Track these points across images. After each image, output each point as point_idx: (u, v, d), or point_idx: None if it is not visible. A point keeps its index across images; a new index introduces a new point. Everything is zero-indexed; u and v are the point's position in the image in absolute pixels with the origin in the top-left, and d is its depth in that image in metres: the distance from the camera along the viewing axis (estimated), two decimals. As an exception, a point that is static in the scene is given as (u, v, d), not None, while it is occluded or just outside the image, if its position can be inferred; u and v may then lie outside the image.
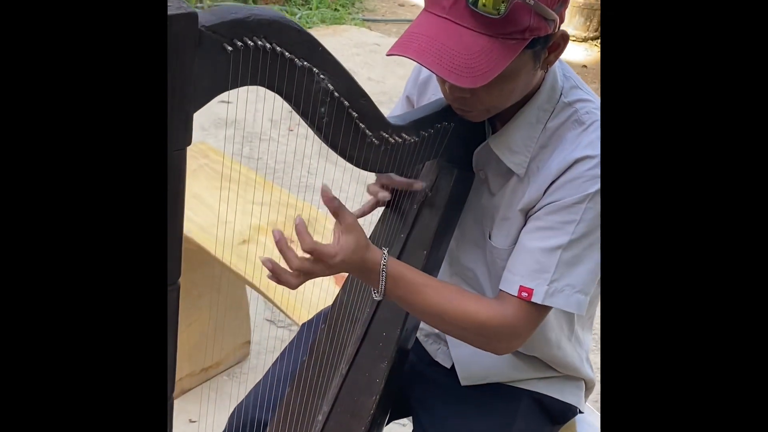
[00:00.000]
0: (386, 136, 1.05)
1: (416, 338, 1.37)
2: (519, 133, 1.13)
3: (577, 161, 1.08)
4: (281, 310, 1.67)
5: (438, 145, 1.14)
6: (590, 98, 1.14)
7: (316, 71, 0.93)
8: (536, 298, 1.11)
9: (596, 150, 1.08)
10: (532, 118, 1.12)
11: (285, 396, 1.29)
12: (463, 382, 1.33)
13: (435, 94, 1.21)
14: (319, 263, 1.05)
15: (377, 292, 1.11)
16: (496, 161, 1.17)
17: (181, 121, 0.84)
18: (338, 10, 5.37)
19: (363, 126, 1.02)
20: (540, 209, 1.12)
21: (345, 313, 1.28)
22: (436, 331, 1.36)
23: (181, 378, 2.13)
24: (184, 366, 2.13)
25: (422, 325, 1.37)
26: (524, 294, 1.11)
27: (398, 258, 1.23)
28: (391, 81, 4.23)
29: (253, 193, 1.98)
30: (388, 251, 1.10)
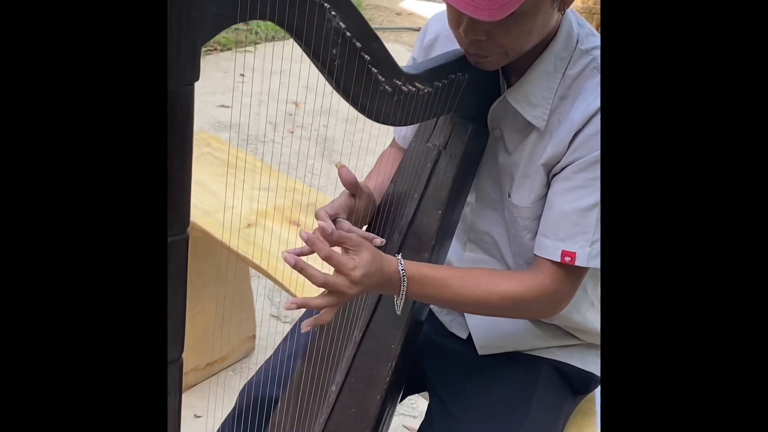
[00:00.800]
0: (399, 84, 1.02)
1: (430, 310, 1.33)
2: (537, 83, 1.09)
3: (599, 110, 1.04)
4: (288, 291, 1.62)
5: (452, 99, 1.10)
6: None
7: (328, 6, 0.90)
8: (580, 261, 1.08)
9: None
10: (550, 67, 1.09)
11: (296, 369, 1.24)
12: (480, 352, 1.28)
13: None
14: (340, 277, 1.00)
15: (399, 298, 1.08)
16: (513, 117, 1.13)
17: (188, 54, 0.80)
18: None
19: (375, 71, 0.98)
20: (566, 167, 1.08)
21: None
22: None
23: (185, 373, 2.07)
24: (188, 361, 2.07)
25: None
26: (567, 258, 1.08)
27: (412, 219, 1.19)
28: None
29: (255, 179, 1.94)
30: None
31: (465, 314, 1.29)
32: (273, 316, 2.47)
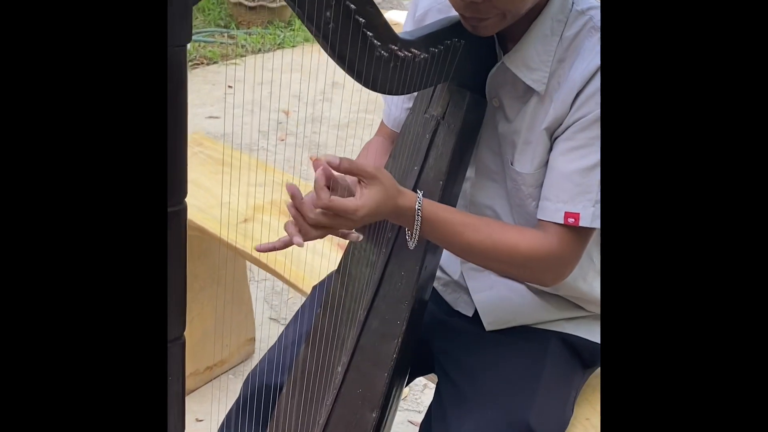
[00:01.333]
0: (395, 49, 1.00)
1: (434, 288, 1.31)
2: (535, 47, 1.08)
3: (599, 68, 1.03)
4: (288, 282, 1.60)
5: (449, 66, 1.09)
6: (600, 7, 1.09)
7: None
8: (584, 222, 1.06)
9: None
10: (547, 29, 1.08)
11: (300, 353, 1.22)
12: (488, 328, 1.26)
13: None
14: (339, 218, 0.99)
15: (411, 237, 1.06)
16: (512, 83, 1.12)
17: (178, 13, 0.79)
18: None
19: (371, 35, 0.97)
20: (568, 128, 1.07)
21: (360, 258, 1.22)
22: (455, 278, 1.30)
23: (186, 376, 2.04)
24: (188, 365, 2.05)
25: (439, 273, 1.31)
26: (571, 220, 1.07)
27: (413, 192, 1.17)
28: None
29: (250, 176, 1.92)
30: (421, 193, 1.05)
31: (471, 291, 1.27)
32: (272, 319, 2.44)
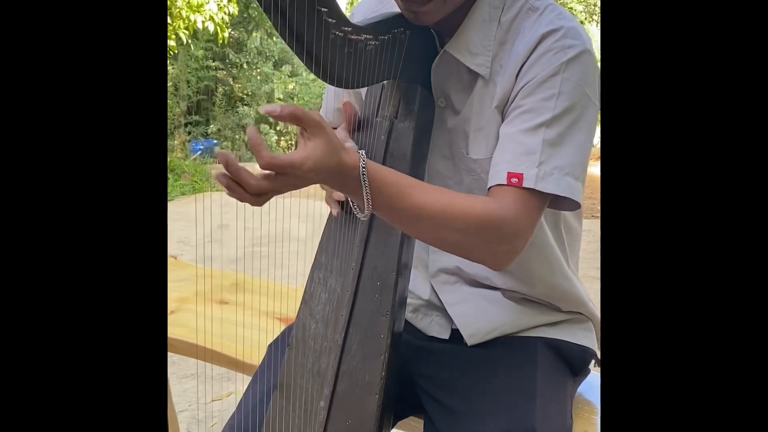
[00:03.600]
0: (348, 30, 0.98)
1: (405, 320, 1.22)
2: (475, 33, 1.08)
3: (542, 37, 1.04)
4: (226, 362, 1.46)
5: (396, 60, 1.07)
6: None
7: None
8: (527, 183, 1.00)
9: (558, 24, 1.04)
10: (485, 14, 1.09)
11: (274, 401, 1.09)
12: (469, 342, 1.18)
13: None
14: (284, 177, 0.89)
15: (361, 205, 0.96)
16: (456, 74, 1.11)
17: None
18: (197, 182, 5.37)
19: (325, 11, 0.94)
20: (515, 96, 1.05)
21: (322, 289, 1.13)
22: (426, 297, 1.22)
23: None
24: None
25: (408, 300, 1.23)
26: (514, 180, 1.00)
27: None
28: (269, 226, 4.17)
29: (170, 274, 1.79)
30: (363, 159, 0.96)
31: (446, 304, 1.19)
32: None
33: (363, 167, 0.94)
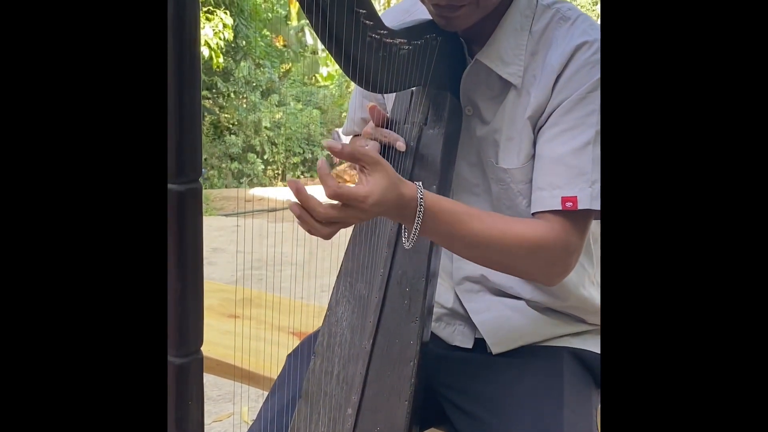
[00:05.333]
0: (383, 33, 0.98)
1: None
2: (507, 41, 1.09)
3: (577, 49, 1.05)
4: (245, 375, 1.44)
5: (427, 66, 1.08)
6: (565, 1, 1.13)
7: None
8: (582, 204, 1.02)
9: (592, 35, 1.06)
10: (516, 24, 1.10)
11: (299, 409, 1.08)
12: (494, 350, 1.17)
13: None
14: (350, 209, 0.92)
15: (409, 234, 0.98)
16: (486, 83, 1.11)
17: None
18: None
19: (363, 12, 0.95)
20: (551, 114, 1.06)
21: (350, 295, 1.12)
22: (449, 306, 1.21)
23: None
24: None
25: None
26: (569, 204, 1.02)
27: None
28: (264, 250, 4.16)
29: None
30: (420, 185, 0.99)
31: (470, 312, 1.19)
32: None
33: (420, 197, 0.97)
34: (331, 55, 0.97)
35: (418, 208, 0.96)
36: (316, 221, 0.92)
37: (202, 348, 0.80)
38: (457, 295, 1.21)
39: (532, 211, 1.07)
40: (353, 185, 0.93)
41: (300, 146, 12.85)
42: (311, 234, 0.94)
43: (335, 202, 0.92)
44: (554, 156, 1.05)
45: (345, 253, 1.15)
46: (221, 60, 8.02)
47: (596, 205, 1.03)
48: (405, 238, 1.00)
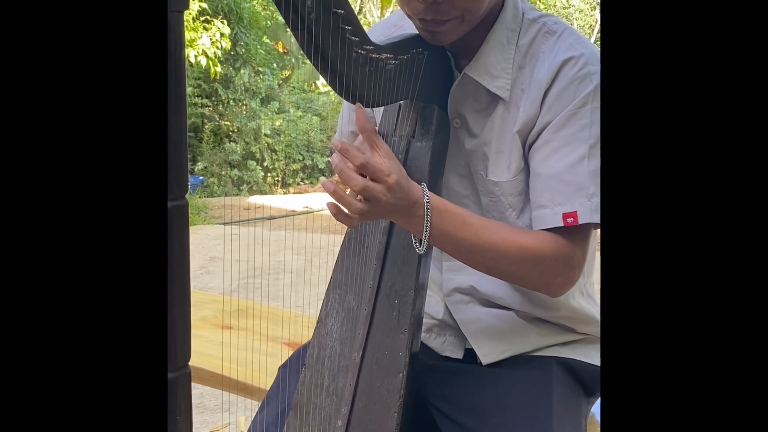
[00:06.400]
0: (369, 48, 0.99)
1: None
2: (494, 55, 1.10)
3: (563, 64, 1.06)
4: (237, 385, 1.45)
5: (414, 79, 1.09)
6: (551, 15, 1.15)
7: None
8: (583, 219, 1.04)
9: (578, 50, 1.07)
10: (503, 38, 1.11)
11: (289, 420, 1.09)
12: (484, 361, 1.18)
13: None
14: (377, 185, 0.95)
15: (420, 238, 1.01)
16: (473, 97, 1.12)
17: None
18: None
19: (349, 29, 0.96)
20: (542, 131, 1.07)
21: (339, 308, 1.13)
22: (439, 317, 1.22)
23: None
24: None
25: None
26: (570, 219, 1.04)
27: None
28: (262, 258, 4.17)
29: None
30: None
31: (460, 324, 1.20)
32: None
33: (427, 197, 1.00)
34: (318, 70, 0.98)
35: (426, 208, 0.99)
36: (351, 197, 0.95)
37: (196, 359, 0.80)
38: (447, 307, 1.22)
39: (536, 228, 1.08)
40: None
41: (300, 153, 12.85)
42: (345, 208, 0.96)
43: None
44: (551, 173, 1.06)
45: (335, 265, 1.16)
46: (219, 69, 8.04)
47: (596, 218, 1.04)
48: (416, 243, 1.03)
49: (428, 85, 1.12)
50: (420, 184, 1.00)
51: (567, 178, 1.05)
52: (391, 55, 1.02)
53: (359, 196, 0.96)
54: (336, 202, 0.95)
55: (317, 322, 1.14)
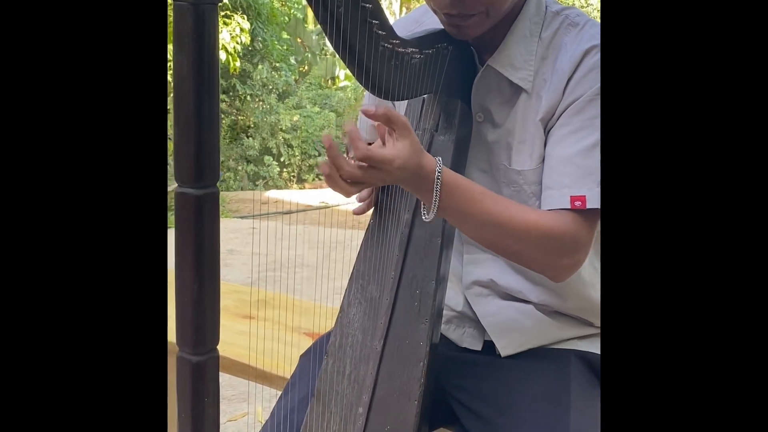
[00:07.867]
0: (396, 42, 1.01)
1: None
2: (517, 47, 1.12)
3: (586, 53, 1.08)
4: (260, 374, 1.47)
5: (438, 74, 1.10)
6: (573, 7, 1.16)
7: None
8: (591, 203, 1.05)
9: (600, 40, 1.08)
10: (526, 31, 1.12)
11: (309, 409, 1.11)
12: (503, 353, 1.19)
13: None
14: (375, 171, 0.97)
15: (428, 208, 1.02)
16: (497, 89, 1.14)
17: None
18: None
19: (376, 23, 0.97)
20: (562, 114, 1.09)
21: (361, 297, 1.15)
22: (459, 309, 1.24)
23: None
24: None
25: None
26: (577, 203, 1.05)
27: (414, 211, 1.14)
28: (280, 252, 4.20)
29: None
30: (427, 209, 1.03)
31: (480, 315, 1.21)
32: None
33: (438, 171, 1.00)
34: (345, 63, 1.00)
35: (436, 181, 1.00)
36: (342, 180, 0.96)
37: (218, 347, 0.83)
38: (466, 299, 1.23)
39: (543, 209, 1.10)
40: (380, 148, 0.98)
41: (315, 149, 12.89)
42: (335, 191, 0.99)
43: (362, 163, 0.96)
44: (563, 156, 1.08)
45: (357, 256, 1.18)
46: (238, 64, 8.09)
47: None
48: (424, 211, 1.05)
49: (452, 79, 1.14)
50: (435, 158, 1.01)
51: (579, 162, 1.06)
52: (417, 50, 1.04)
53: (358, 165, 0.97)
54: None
55: (339, 311, 1.16)
